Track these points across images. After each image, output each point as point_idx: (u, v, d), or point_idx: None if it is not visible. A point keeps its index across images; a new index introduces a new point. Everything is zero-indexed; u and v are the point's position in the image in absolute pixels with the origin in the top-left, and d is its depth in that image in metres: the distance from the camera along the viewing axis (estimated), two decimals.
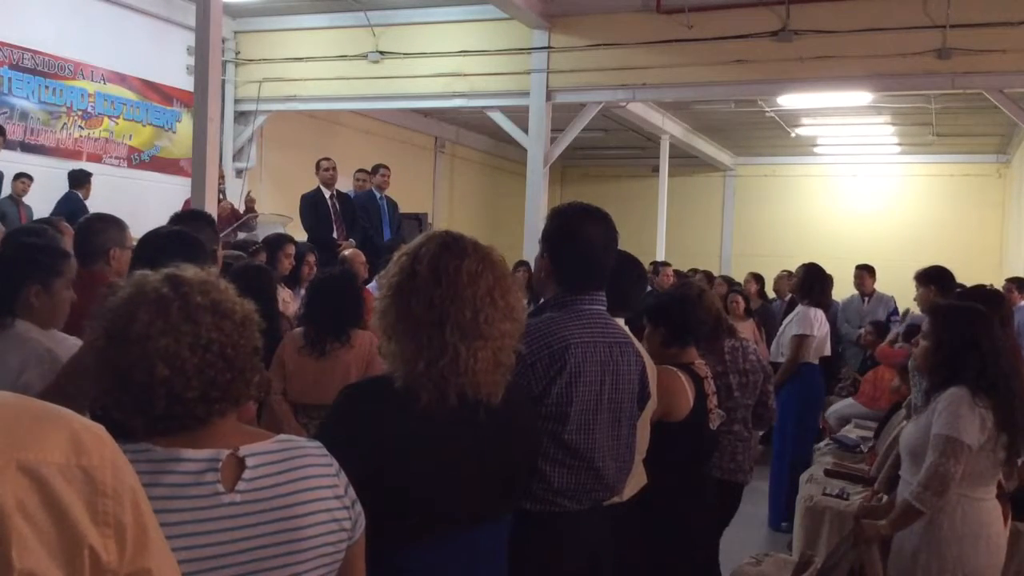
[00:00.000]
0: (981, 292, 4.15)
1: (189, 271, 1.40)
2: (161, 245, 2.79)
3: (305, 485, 1.39)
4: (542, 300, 2.45)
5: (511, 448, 1.91)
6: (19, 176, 8.09)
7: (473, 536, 1.84)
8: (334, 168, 8.12)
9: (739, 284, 9.09)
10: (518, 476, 1.98)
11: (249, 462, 1.35)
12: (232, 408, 1.39)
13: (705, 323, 3.59)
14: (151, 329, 1.31)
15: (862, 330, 8.27)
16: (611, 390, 2.34)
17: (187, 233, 3.01)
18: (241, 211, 8.99)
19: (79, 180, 8.47)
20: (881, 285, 9.30)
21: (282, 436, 1.44)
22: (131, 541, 0.86)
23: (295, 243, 5.97)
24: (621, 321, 2.76)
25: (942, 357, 2.97)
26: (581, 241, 2.36)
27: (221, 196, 8.36)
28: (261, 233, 7.72)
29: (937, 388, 2.96)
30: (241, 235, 7.95)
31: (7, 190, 8.09)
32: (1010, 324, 4.03)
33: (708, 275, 9.59)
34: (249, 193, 9.83)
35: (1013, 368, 3.01)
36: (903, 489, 3.00)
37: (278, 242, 5.80)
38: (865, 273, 9.13)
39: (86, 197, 8.41)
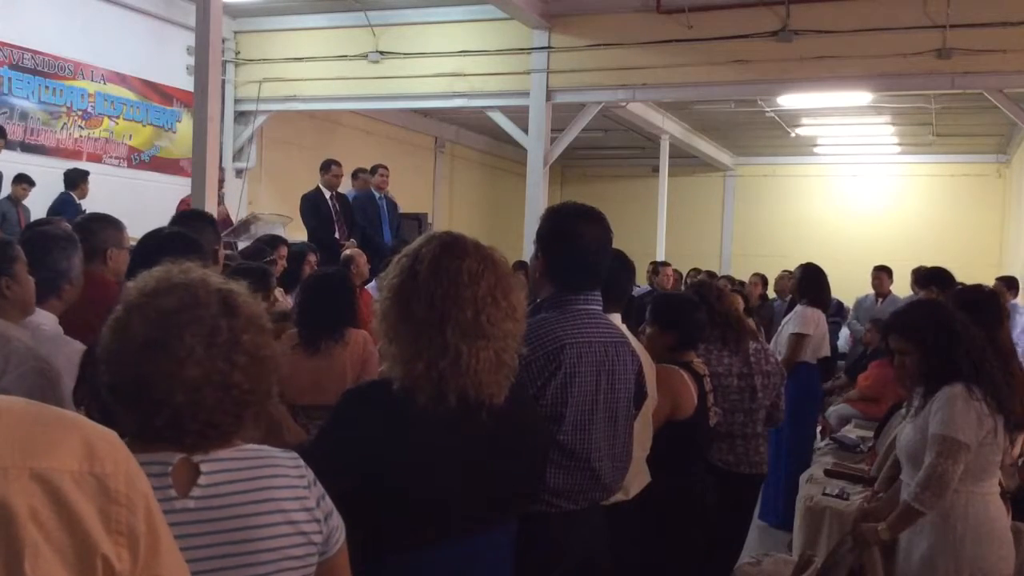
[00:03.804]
0: (978, 291, 4.14)
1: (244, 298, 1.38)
2: (160, 246, 2.79)
3: (267, 496, 1.35)
4: (538, 300, 2.45)
5: (516, 449, 1.90)
6: (19, 180, 8.07)
7: (476, 541, 1.83)
8: (343, 173, 8.20)
9: (740, 284, 9.10)
10: (525, 478, 1.97)
11: (205, 468, 1.32)
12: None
13: (704, 326, 3.62)
14: (194, 352, 1.29)
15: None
16: (607, 390, 2.33)
17: (187, 234, 3.01)
18: (243, 217, 8.98)
19: (74, 180, 8.42)
20: None
21: (250, 445, 1.41)
22: (144, 549, 0.86)
23: (288, 244, 5.99)
24: (618, 318, 2.76)
25: (934, 363, 2.95)
26: (575, 241, 2.35)
27: (219, 201, 8.35)
28: (260, 233, 7.72)
29: (932, 391, 2.95)
30: (243, 243, 7.94)
31: (6, 191, 8.08)
32: (1006, 322, 4.01)
33: (711, 274, 9.60)
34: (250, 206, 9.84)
35: (989, 352, 2.99)
36: (904, 492, 2.99)
37: (271, 243, 5.82)
38: (884, 274, 9.13)
39: (82, 197, 8.35)
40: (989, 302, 3.78)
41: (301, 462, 1.44)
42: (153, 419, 1.29)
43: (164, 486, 1.28)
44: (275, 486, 1.37)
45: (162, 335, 1.29)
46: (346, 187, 8.86)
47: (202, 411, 1.30)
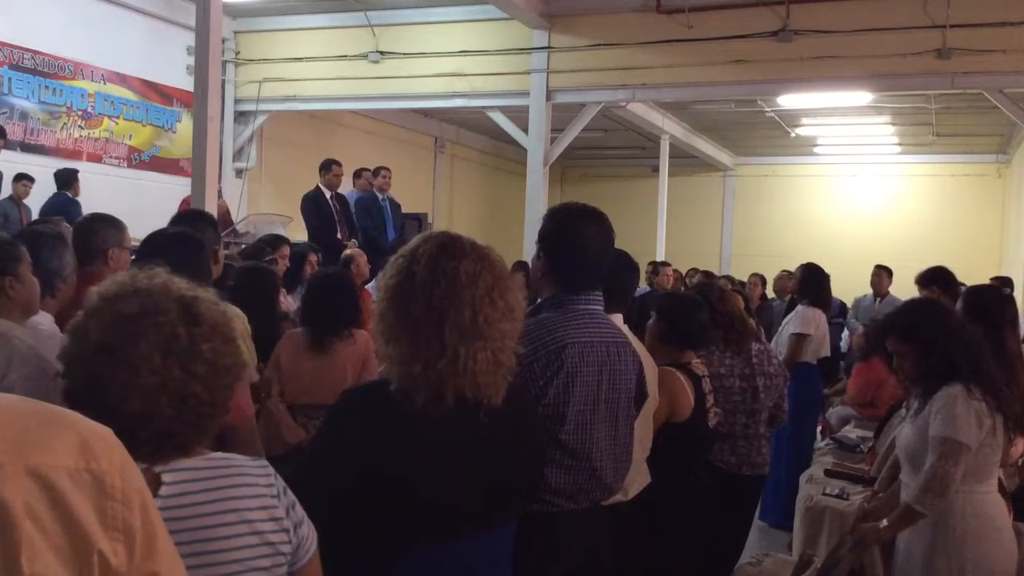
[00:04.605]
0: (988, 292, 4.12)
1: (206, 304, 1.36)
2: (164, 246, 2.79)
3: (232, 506, 1.33)
4: (539, 300, 2.45)
5: (515, 449, 1.89)
6: (20, 178, 8.09)
7: (475, 541, 1.83)
8: (343, 173, 8.22)
9: (741, 284, 9.09)
10: (524, 478, 1.97)
11: (166, 478, 1.30)
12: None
13: (706, 327, 3.62)
14: (150, 362, 1.27)
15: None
16: (608, 390, 2.34)
17: (191, 234, 3.02)
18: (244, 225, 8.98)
19: (68, 180, 8.42)
20: None
21: (216, 454, 1.39)
22: (140, 545, 0.86)
23: (290, 244, 5.99)
24: (620, 318, 2.77)
25: (931, 363, 2.94)
26: (577, 241, 2.36)
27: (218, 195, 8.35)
28: (261, 233, 7.72)
29: (931, 391, 2.93)
30: (244, 244, 7.94)
31: (7, 191, 8.09)
32: (1016, 325, 3.98)
33: (708, 274, 9.59)
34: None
35: (988, 351, 2.98)
36: (905, 493, 2.99)
37: (273, 243, 5.83)
38: (884, 273, 9.18)
39: (75, 195, 8.37)
40: (998, 304, 3.76)
41: (271, 471, 1.42)
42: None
43: None
44: (241, 495, 1.35)
45: (117, 341, 1.27)
46: (347, 187, 8.87)
47: (157, 421, 1.28)
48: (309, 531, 1.43)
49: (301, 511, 1.42)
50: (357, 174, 9.07)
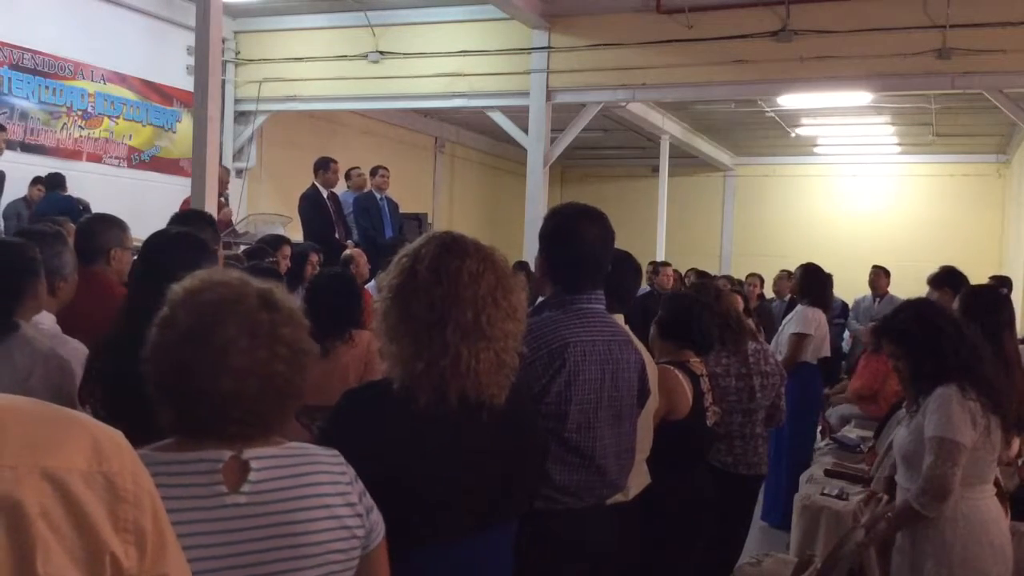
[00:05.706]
0: (985, 292, 4.11)
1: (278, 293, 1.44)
2: (168, 246, 2.79)
3: (313, 491, 1.40)
4: (540, 300, 2.45)
5: (517, 449, 1.90)
6: (36, 182, 8.16)
7: (477, 540, 1.83)
8: (340, 170, 8.23)
9: (740, 284, 9.09)
10: (525, 479, 1.97)
11: (254, 464, 1.36)
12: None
13: (710, 330, 3.62)
14: (239, 342, 1.34)
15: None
16: (611, 388, 2.34)
17: (193, 234, 3.01)
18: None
19: (58, 182, 8.42)
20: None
21: (293, 443, 1.45)
22: (151, 547, 0.87)
23: (291, 244, 5.99)
24: (620, 319, 2.77)
25: (924, 364, 2.93)
26: (578, 241, 2.37)
27: (224, 202, 8.35)
28: (260, 233, 7.71)
29: (926, 392, 2.93)
30: (243, 246, 7.93)
31: (17, 192, 8.11)
32: (1013, 325, 3.98)
33: (702, 274, 9.58)
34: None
35: (985, 350, 2.98)
36: (900, 495, 2.98)
37: (274, 243, 5.83)
38: (881, 273, 9.19)
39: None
40: (995, 304, 3.75)
41: (342, 459, 1.48)
42: (196, 408, 1.34)
43: (214, 482, 1.32)
44: (320, 482, 1.42)
45: (206, 326, 1.34)
46: (339, 187, 8.87)
47: (245, 400, 1.34)
48: (378, 517, 1.50)
49: (370, 499, 1.49)
50: (347, 175, 9.07)
